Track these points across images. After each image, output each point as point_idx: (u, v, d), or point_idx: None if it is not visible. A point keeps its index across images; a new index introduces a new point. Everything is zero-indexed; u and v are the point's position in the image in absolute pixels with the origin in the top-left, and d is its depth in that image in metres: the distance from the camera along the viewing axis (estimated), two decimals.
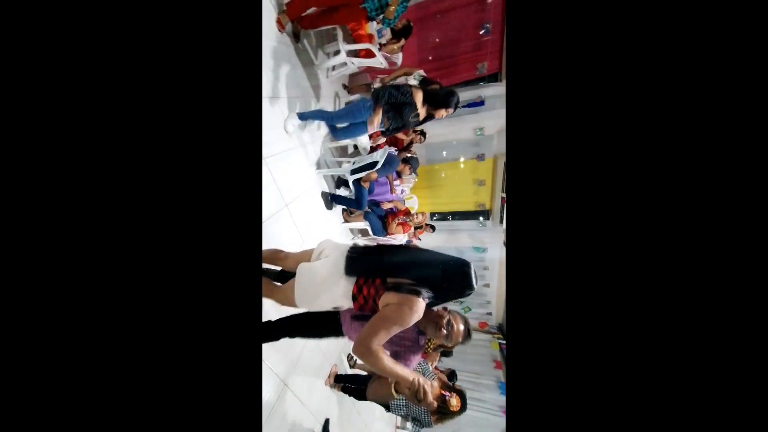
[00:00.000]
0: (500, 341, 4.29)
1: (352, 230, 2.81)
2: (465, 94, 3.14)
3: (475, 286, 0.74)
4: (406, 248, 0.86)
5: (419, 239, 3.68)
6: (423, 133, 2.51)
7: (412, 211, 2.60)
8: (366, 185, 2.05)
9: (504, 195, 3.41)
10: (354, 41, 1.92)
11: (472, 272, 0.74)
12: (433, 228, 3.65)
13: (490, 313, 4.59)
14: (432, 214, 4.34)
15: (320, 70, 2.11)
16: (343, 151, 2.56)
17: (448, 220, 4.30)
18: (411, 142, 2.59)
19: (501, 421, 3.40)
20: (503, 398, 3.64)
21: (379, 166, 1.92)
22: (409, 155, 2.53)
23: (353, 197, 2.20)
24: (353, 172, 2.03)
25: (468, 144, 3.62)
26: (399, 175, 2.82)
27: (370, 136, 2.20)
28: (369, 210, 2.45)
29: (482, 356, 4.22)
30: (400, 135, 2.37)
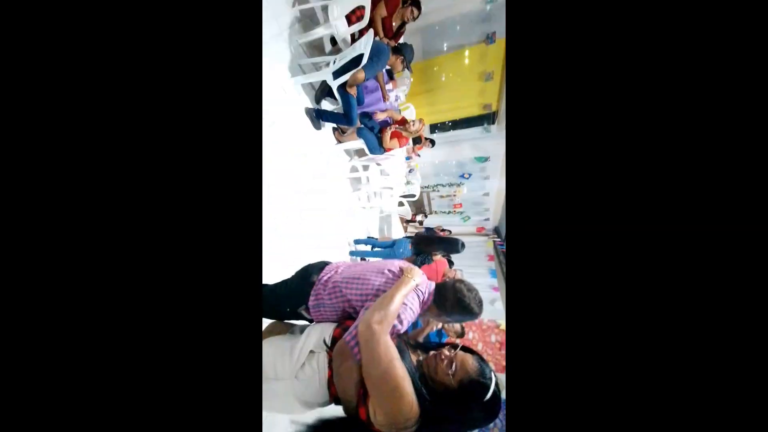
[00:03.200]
0: (495, 239, 4.77)
1: (347, 152, 2.59)
2: None
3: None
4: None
5: (418, 155, 3.46)
6: (416, 3, 1.83)
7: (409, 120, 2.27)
8: (353, 91, 1.69)
9: None
10: None
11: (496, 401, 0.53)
12: (432, 143, 3.36)
13: (487, 219, 4.90)
14: (432, 128, 3.91)
15: None
16: (319, 51, 2.01)
17: (449, 130, 3.90)
18: (403, 24, 1.94)
19: (494, 295, 4.22)
20: (494, 280, 4.39)
21: (365, 60, 1.51)
22: (401, 42, 1.96)
23: (341, 111, 1.88)
24: (336, 74, 1.63)
25: (475, 20, 2.78)
26: (391, 76, 2.32)
27: (350, 18, 1.65)
28: (361, 125, 2.15)
29: (478, 253, 4.79)
30: (383, 10, 1.73)
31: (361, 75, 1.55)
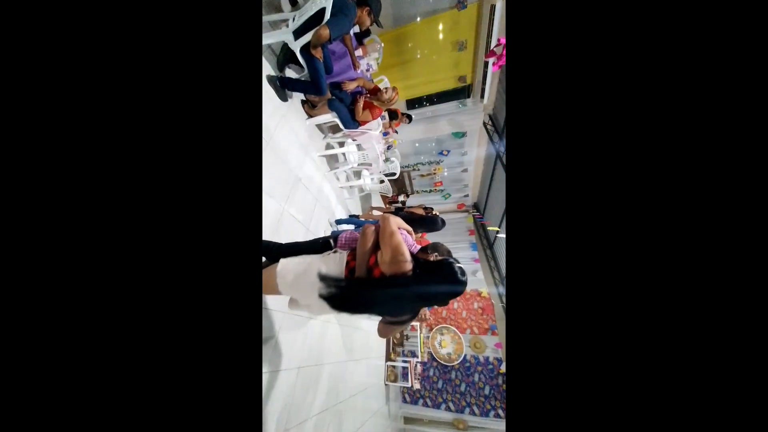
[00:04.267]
0: (474, 214, 4.92)
1: (321, 128, 2.43)
2: None
3: (462, 280, 0.76)
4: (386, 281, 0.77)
5: (396, 132, 3.36)
6: None
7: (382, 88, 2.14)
8: (318, 54, 1.53)
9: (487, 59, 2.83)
10: None
11: (458, 275, 0.75)
12: (409, 118, 3.26)
13: (467, 195, 5.01)
14: (409, 104, 3.78)
15: None
16: (276, 9, 1.78)
17: (425, 105, 3.81)
18: None
19: (475, 266, 4.41)
20: (475, 253, 4.58)
21: (327, 15, 1.36)
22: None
23: (308, 78, 1.71)
24: (296, 34, 1.46)
25: None
26: (360, 41, 2.15)
27: None
28: (332, 97, 2.00)
29: (460, 229, 4.93)
30: None
31: (325, 32, 1.39)
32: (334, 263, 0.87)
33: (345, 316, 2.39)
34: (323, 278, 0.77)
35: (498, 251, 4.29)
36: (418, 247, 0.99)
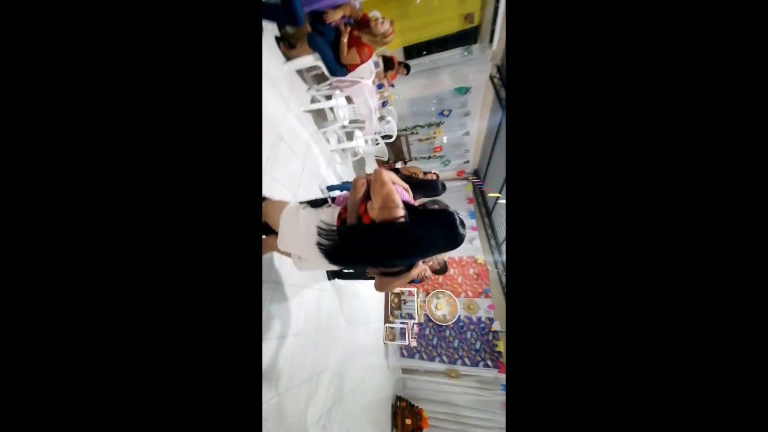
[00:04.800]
0: (474, 181, 4.71)
1: (304, 78, 2.05)
2: None
3: (462, 233, 0.72)
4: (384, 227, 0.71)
5: (392, 86, 2.94)
6: None
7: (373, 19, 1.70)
8: None
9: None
10: None
11: (458, 224, 0.72)
12: (407, 68, 2.82)
13: (467, 162, 4.72)
14: (406, 53, 3.26)
15: None
16: None
17: (424, 55, 3.29)
18: None
19: (472, 233, 4.37)
20: (473, 221, 4.49)
21: None
22: None
23: (279, 2, 1.33)
24: None
25: None
26: None
27: None
28: (313, 31, 1.61)
29: (459, 197, 4.76)
30: None
31: None
32: (326, 215, 0.85)
33: (341, 282, 2.35)
34: (318, 227, 0.77)
35: (496, 219, 4.19)
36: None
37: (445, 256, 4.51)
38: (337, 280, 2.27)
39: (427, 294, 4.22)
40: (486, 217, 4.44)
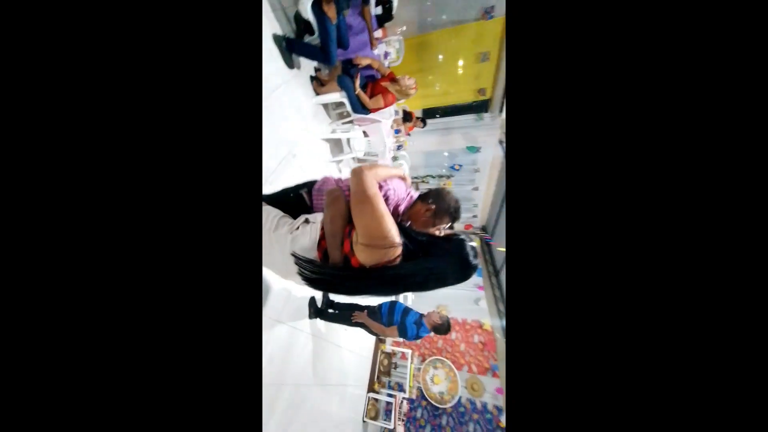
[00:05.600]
0: (482, 236, 4.53)
1: (326, 108, 2.23)
2: None
3: (474, 264, 0.58)
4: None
5: (409, 135, 3.17)
6: None
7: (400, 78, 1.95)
8: (331, 12, 1.36)
9: None
10: None
11: (470, 256, 0.57)
12: (424, 122, 3.09)
13: (475, 216, 4.67)
14: (424, 113, 3.67)
15: None
16: None
17: (439, 116, 3.67)
18: None
19: (478, 293, 3.91)
20: (480, 279, 4.09)
21: None
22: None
23: (317, 42, 1.53)
24: None
25: None
26: (381, 23, 2.02)
27: None
28: (343, 74, 1.81)
29: None
30: None
31: None
32: (304, 237, 0.63)
33: (320, 324, 1.95)
34: (294, 255, 0.59)
35: (505, 281, 3.82)
36: (414, 196, 0.72)
37: (450, 312, 3.92)
38: (318, 321, 1.91)
39: (423, 360, 3.51)
40: (494, 276, 4.07)
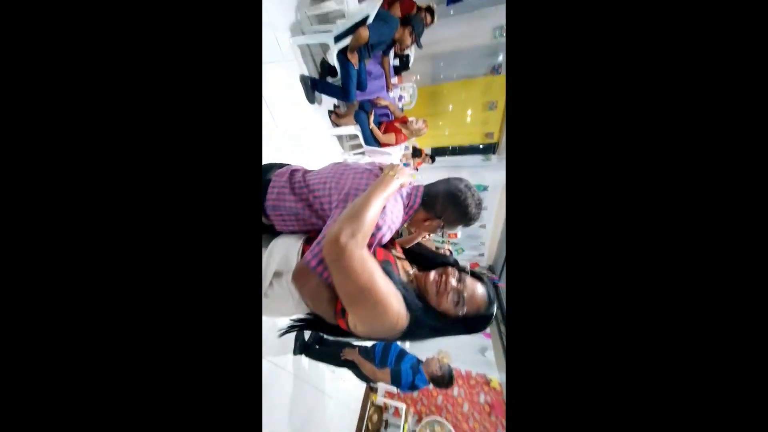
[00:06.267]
0: (490, 276, 4.26)
1: (340, 140, 2.36)
2: None
3: (490, 312, 0.50)
4: None
5: (417, 169, 3.27)
6: (431, 10, 1.82)
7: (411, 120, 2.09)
8: (354, 60, 1.53)
9: None
10: None
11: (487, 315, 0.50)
12: (433, 158, 3.21)
13: (482, 254, 4.48)
14: (433, 152, 3.84)
15: None
16: (327, 21, 1.95)
17: (448, 154, 3.82)
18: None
19: (485, 342, 3.51)
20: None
21: (370, 20, 1.38)
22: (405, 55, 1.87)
23: (339, 83, 1.70)
24: (337, 39, 1.49)
25: (483, 53, 2.92)
26: (398, 71, 2.25)
27: None
28: (360, 109, 1.96)
29: None
30: (398, 11, 1.68)
31: (365, 33, 1.40)
32: (280, 302, 0.51)
33: (304, 362, 1.71)
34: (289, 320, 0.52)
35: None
36: (417, 201, 0.56)
37: (452, 361, 3.47)
38: (303, 358, 1.71)
39: (420, 419, 3.00)
40: (502, 323, 3.70)
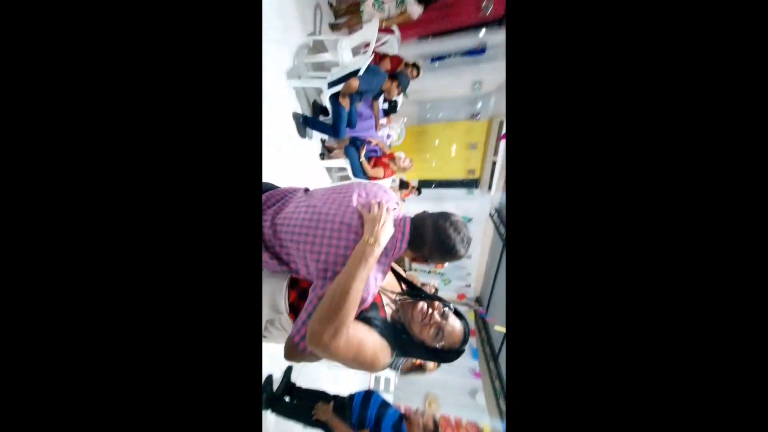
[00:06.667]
0: (476, 309, 4.17)
1: (329, 171, 2.41)
2: (465, 41, 2.74)
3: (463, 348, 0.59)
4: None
5: (403, 201, 3.35)
6: (417, 66, 2.07)
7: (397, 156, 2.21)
8: (345, 103, 1.64)
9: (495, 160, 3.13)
10: None
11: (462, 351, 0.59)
12: (419, 191, 3.33)
13: (468, 285, 4.44)
14: (420, 183, 4.01)
15: None
16: (323, 69, 2.12)
17: (433, 187, 3.98)
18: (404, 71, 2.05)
19: (474, 382, 3.29)
20: (476, 363, 3.52)
21: (361, 72, 1.52)
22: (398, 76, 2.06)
23: (330, 122, 1.79)
24: (331, 85, 1.62)
25: (464, 101, 3.26)
26: (386, 113, 2.42)
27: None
28: (350, 145, 2.05)
29: None
30: (388, 65, 1.91)
31: (355, 83, 1.53)
32: (273, 338, 0.60)
33: (270, 419, 1.48)
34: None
35: (505, 369, 3.28)
36: (403, 244, 0.54)
37: (437, 412, 3.16)
38: (268, 415, 1.49)
39: None
40: (492, 360, 3.52)
